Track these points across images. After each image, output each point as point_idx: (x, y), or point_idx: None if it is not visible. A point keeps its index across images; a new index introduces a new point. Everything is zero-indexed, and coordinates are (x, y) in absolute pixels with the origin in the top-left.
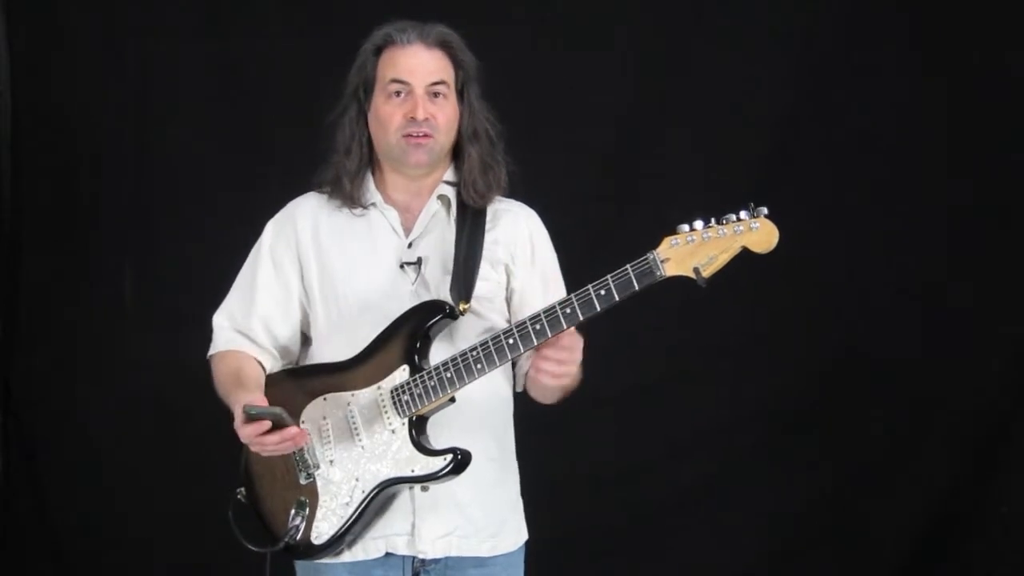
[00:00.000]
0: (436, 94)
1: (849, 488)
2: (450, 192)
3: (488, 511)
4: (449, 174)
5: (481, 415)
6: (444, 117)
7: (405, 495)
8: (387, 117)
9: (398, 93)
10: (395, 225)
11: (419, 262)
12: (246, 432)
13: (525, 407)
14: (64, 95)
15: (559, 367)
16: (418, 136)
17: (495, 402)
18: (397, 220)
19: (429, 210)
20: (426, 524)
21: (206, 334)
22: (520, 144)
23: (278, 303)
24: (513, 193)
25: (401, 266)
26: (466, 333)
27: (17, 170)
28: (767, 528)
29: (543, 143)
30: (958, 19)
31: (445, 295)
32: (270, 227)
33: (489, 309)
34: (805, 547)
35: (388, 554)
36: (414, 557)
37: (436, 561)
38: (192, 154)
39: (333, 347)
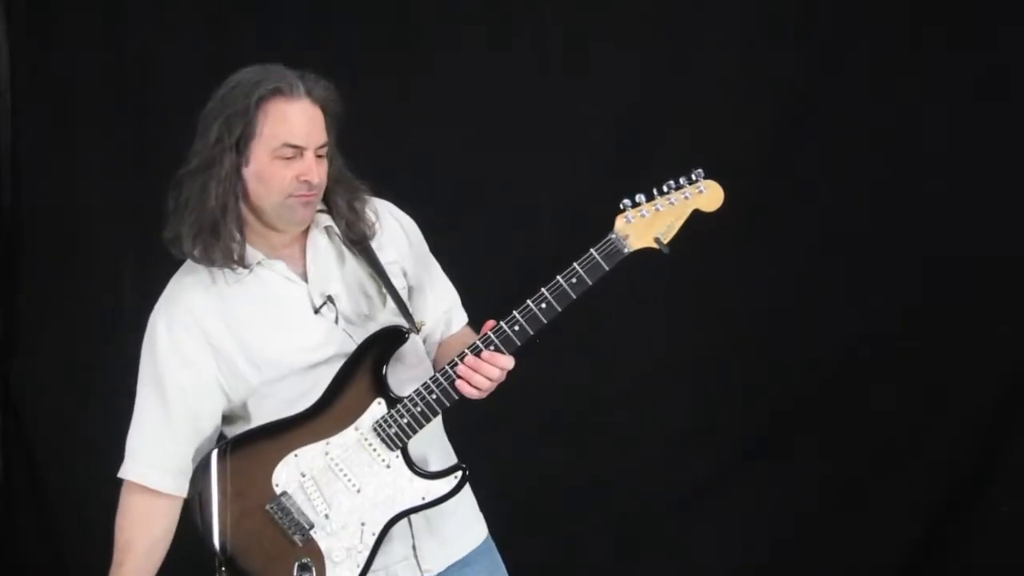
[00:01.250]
0: (320, 155)
1: (848, 488)
2: (330, 221)
3: (460, 507)
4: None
5: None
6: (325, 175)
7: (402, 521)
8: (276, 177)
9: (289, 155)
10: (288, 275)
11: (330, 300)
12: None
13: (523, 410)
14: (64, 95)
15: (486, 383)
16: (308, 194)
17: None
18: (287, 269)
19: (316, 247)
20: (425, 542)
21: None
22: (520, 144)
23: (196, 402)
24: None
25: (316, 311)
26: (407, 346)
27: (17, 170)
28: (766, 528)
29: (543, 143)
30: (957, 17)
31: (375, 322)
32: (160, 323)
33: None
34: (804, 547)
35: None
36: None
37: None
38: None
39: (279, 407)
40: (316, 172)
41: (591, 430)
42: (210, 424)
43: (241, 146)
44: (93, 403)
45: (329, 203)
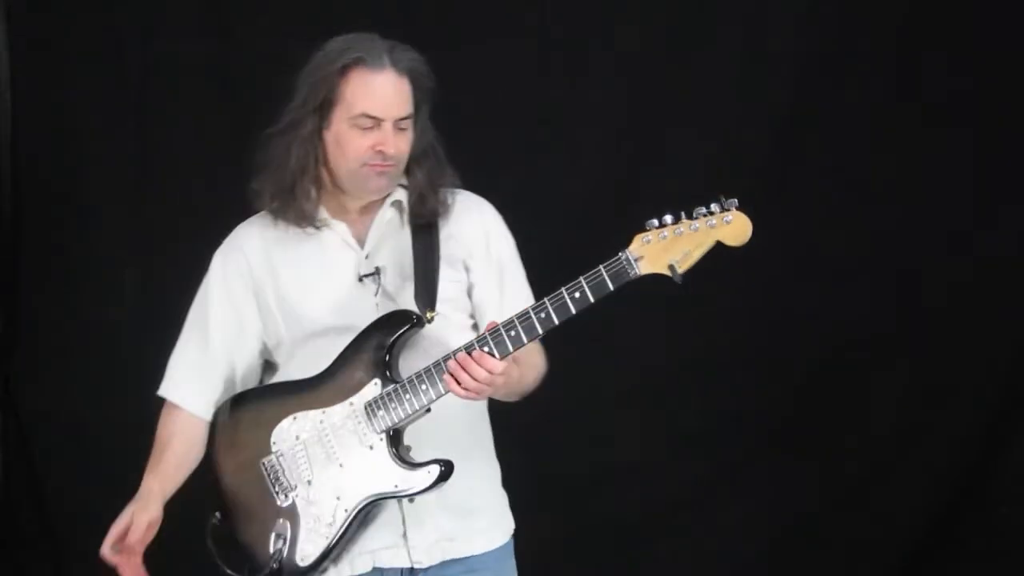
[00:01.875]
0: (401, 128)
1: (848, 488)
2: (403, 196)
3: (475, 509)
4: (400, 178)
5: (454, 412)
6: (406, 147)
7: (393, 507)
8: (352, 146)
9: (367, 125)
10: (347, 238)
11: (377, 272)
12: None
13: (524, 410)
14: (64, 95)
15: (472, 383)
16: (384, 165)
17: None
18: (348, 233)
19: (383, 218)
20: (418, 533)
21: None
22: (520, 144)
23: (233, 338)
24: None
25: (360, 279)
26: (434, 337)
27: (17, 170)
28: (766, 528)
29: (543, 143)
30: (956, 16)
31: (408, 303)
32: (217, 260)
33: (454, 309)
34: (805, 547)
35: (376, 568)
36: (402, 569)
37: (425, 570)
38: (192, 154)
39: (300, 367)
40: (393, 143)
41: (591, 430)
42: (246, 361)
43: (324, 110)
44: (93, 403)
45: (409, 176)
